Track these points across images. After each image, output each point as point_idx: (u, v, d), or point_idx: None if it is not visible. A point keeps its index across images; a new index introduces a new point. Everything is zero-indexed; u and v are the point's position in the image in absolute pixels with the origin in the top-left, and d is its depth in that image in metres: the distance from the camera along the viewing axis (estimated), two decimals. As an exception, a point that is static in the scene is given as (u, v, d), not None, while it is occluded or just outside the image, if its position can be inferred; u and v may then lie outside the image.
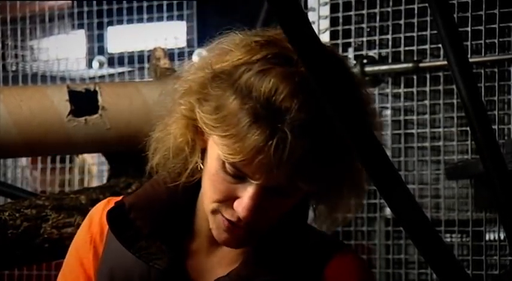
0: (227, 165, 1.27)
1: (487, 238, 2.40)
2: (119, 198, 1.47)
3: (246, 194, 1.27)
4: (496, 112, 2.29)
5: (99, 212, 1.46)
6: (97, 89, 2.03)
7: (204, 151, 1.33)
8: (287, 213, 1.34)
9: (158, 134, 1.36)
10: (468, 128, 2.26)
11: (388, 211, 2.53)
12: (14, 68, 3.20)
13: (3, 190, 2.26)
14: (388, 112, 2.49)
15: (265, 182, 1.25)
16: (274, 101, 1.23)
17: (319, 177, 1.26)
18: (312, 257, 1.36)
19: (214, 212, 1.32)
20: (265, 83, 1.23)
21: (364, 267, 1.42)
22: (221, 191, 1.30)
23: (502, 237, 2.36)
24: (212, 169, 1.30)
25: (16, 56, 3.20)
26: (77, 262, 1.45)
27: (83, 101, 2.02)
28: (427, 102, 2.42)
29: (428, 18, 2.39)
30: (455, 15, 2.29)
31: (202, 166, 1.34)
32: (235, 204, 1.28)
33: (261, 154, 1.22)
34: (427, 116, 2.43)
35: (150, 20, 3.01)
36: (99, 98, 2.01)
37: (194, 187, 1.37)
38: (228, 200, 1.29)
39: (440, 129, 2.42)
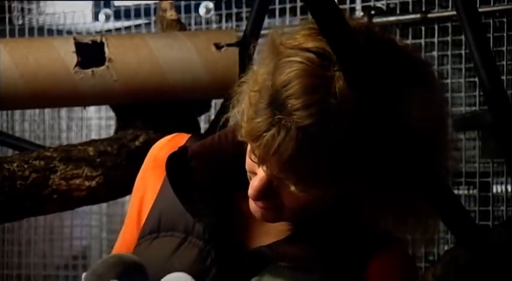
0: None
1: (494, 190, 2.39)
2: (185, 136, 1.46)
3: (259, 174, 1.27)
4: (504, 62, 2.27)
5: (159, 148, 1.46)
6: (104, 40, 2.01)
7: None
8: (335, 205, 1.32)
9: (244, 87, 1.33)
10: (476, 79, 2.25)
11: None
12: (20, 21, 3.17)
13: (12, 143, 2.26)
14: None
15: (263, 169, 1.25)
16: (281, 94, 1.20)
17: (309, 183, 1.22)
18: (356, 250, 1.33)
19: (249, 179, 1.32)
20: (284, 74, 1.20)
21: (408, 266, 1.38)
22: (248, 163, 1.30)
23: (509, 189, 2.36)
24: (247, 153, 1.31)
25: (22, 9, 3.18)
26: (136, 201, 1.46)
27: (90, 53, 2.01)
28: (435, 53, 2.40)
29: (437, -32, 2.37)
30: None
31: None
32: (252, 181, 1.29)
33: (256, 142, 1.21)
34: (435, 68, 2.41)
35: (156, -29, 2.98)
36: (106, 49, 2.00)
37: None
38: (251, 173, 1.30)
39: (448, 81, 2.40)
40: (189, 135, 1.48)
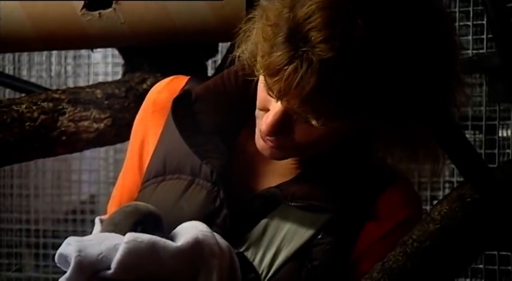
0: None
1: (500, 134, 2.40)
2: (183, 78, 1.45)
3: (273, 110, 1.26)
4: (512, 5, 2.26)
5: (157, 92, 1.45)
6: (111, -18, 2.00)
7: None
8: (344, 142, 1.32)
9: (251, 24, 1.31)
10: (484, 22, 2.24)
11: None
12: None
13: (19, 86, 2.26)
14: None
15: (281, 104, 1.24)
16: (303, 27, 1.17)
17: (329, 117, 1.20)
18: (366, 188, 1.34)
19: (257, 117, 1.31)
20: (305, 6, 1.18)
21: (414, 202, 1.38)
22: (260, 99, 1.29)
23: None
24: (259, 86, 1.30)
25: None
26: (136, 145, 1.45)
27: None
28: (443, -4, 2.39)
29: None
30: None
31: None
32: (264, 117, 1.27)
33: (276, 76, 1.19)
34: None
35: None
36: (113, -9, 1.99)
37: None
38: (263, 110, 1.29)
39: (456, 24, 2.38)
40: (188, 77, 1.47)
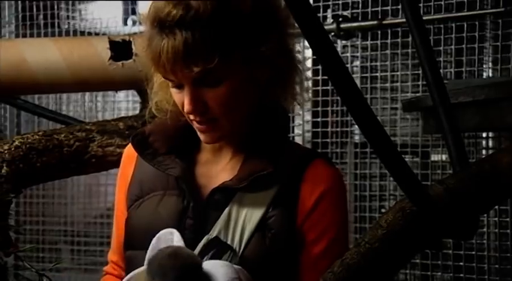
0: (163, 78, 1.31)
1: (432, 158, 2.41)
2: None
3: (185, 94, 1.29)
4: (441, 59, 2.27)
5: (127, 148, 1.49)
6: (131, 39, 2.01)
7: None
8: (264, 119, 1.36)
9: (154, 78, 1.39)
10: (420, 72, 2.25)
11: (356, 137, 2.53)
12: (66, 26, 3.15)
13: (60, 119, 2.26)
14: (358, 60, 2.48)
15: (178, 74, 1.26)
16: (161, 11, 1.24)
17: (207, 60, 1.24)
18: (294, 163, 1.37)
19: (191, 121, 1.34)
20: (156, 4, 1.25)
21: (335, 173, 1.41)
22: (179, 104, 1.32)
23: (444, 158, 2.37)
24: (172, 93, 1.33)
25: (68, 16, 3.16)
26: (120, 192, 1.48)
27: (121, 49, 2.01)
28: (388, 52, 2.40)
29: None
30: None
31: None
32: (185, 104, 1.30)
33: (161, 56, 1.24)
34: (388, 63, 2.41)
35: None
36: (133, 46, 2.00)
37: None
38: (182, 105, 1.31)
39: (398, 73, 2.40)
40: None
